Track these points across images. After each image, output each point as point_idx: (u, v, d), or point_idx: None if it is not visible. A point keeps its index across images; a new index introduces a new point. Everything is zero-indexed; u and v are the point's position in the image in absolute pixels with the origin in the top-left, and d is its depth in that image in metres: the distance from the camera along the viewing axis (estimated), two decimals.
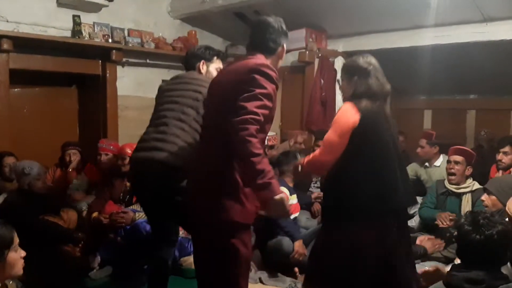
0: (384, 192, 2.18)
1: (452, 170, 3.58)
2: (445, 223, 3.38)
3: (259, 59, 2.08)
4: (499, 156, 3.81)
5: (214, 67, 2.74)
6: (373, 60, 2.33)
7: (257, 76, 1.94)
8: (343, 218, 2.21)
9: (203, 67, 2.73)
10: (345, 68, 2.40)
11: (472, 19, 4.04)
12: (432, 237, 3.45)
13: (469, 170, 3.58)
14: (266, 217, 3.76)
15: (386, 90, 2.29)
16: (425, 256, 3.25)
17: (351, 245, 2.18)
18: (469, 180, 3.61)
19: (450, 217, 3.38)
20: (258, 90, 1.91)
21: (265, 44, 2.14)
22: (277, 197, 1.82)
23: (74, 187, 4.04)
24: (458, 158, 3.58)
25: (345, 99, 2.37)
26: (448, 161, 3.66)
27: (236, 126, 1.83)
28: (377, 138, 2.22)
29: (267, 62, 2.06)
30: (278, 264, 3.58)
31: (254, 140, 1.81)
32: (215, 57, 2.77)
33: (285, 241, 3.54)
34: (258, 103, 1.89)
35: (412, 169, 4.56)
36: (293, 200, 3.73)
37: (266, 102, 1.91)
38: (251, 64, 2.01)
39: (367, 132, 2.19)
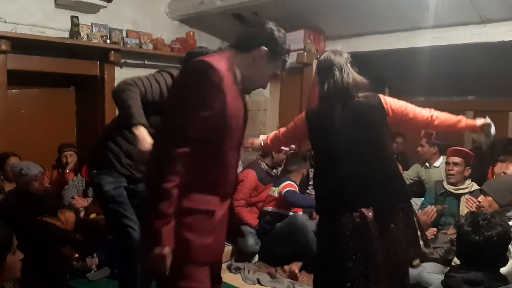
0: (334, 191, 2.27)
1: (451, 172, 3.58)
2: (429, 217, 3.36)
3: (213, 55, 1.87)
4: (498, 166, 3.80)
5: None
6: (335, 56, 2.31)
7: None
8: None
9: None
10: (318, 69, 2.43)
11: (470, 21, 4.04)
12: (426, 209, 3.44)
13: (467, 171, 3.59)
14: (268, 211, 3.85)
15: (345, 83, 2.25)
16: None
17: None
18: (468, 181, 3.62)
19: (435, 210, 3.39)
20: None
21: (241, 38, 1.92)
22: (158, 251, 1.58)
23: (70, 187, 4.02)
24: (457, 159, 3.59)
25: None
26: (447, 163, 3.67)
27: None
28: (321, 142, 2.33)
29: (225, 59, 1.78)
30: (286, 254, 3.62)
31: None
32: None
33: (297, 216, 3.58)
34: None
35: (414, 169, 4.57)
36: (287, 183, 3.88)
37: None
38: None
39: (313, 137, 2.37)
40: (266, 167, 4.15)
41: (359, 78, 2.27)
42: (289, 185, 3.82)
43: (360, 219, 2.18)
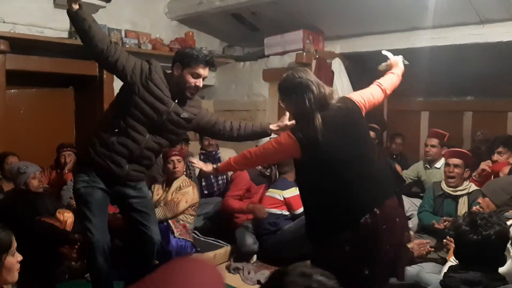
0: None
1: (452, 174, 3.57)
2: (441, 225, 3.40)
3: None
4: (495, 157, 3.82)
5: (189, 72, 2.60)
6: (304, 73, 2.30)
7: None
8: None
9: (177, 70, 2.63)
10: (281, 89, 2.38)
11: (469, 21, 4.05)
12: (419, 240, 3.40)
13: (467, 173, 3.59)
14: (275, 214, 3.83)
15: (324, 95, 2.26)
16: (413, 261, 3.22)
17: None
18: (466, 183, 3.62)
19: (446, 221, 3.39)
20: None
21: None
22: None
23: (68, 188, 4.01)
24: (457, 161, 3.58)
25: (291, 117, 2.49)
26: (447, 164, 3.65)
27: None
28: (317, 157, 2.24)
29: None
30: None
31: None
32: (192, 62, 2.59)
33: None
34: None
35: (414, 169, 4.56)
36: (296, 192, 3.71)
37: None
38: None
39: (307, 154, 2.24)
40: (260, 167, 4.10)
41: (329, 88, 2.34)
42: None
43: (367, 225, 2.18)
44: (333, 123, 2.25)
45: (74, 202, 3.77)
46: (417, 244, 3.26)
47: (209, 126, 2.87)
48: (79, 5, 2.34)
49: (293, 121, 2.64)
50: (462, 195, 3.57)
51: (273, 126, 2.93)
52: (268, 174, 4.19)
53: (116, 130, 2.56)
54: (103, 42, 2.45)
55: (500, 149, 3.80)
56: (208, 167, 2.71)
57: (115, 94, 4.54)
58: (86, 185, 2.57)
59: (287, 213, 3.84)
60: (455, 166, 3.57)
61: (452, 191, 3.60)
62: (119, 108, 2.61)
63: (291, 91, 2.30)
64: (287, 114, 2.87)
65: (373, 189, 2.24)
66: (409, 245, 3.24)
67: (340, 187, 2.22)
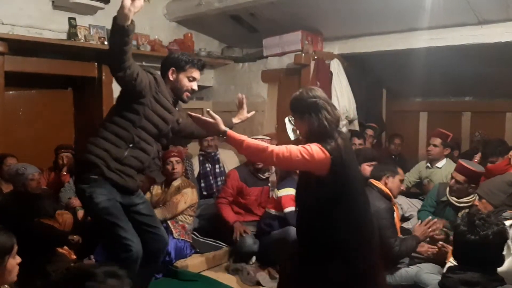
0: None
1: (453, 188, 3.51)
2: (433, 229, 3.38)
3: None
4: (488, 166, 3.81)
5: (185, 76, 2.67)
6: (318, 92, 2.31)
7: None
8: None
9: (172, 75, 2.67)
10: (294, 108, 2.35)
11: (467, 22, 4.06)
12: (425, 221, 3.35)
13: (472, 188, 3.46)
14: (270, 214, 3.82)
15: (338, 117, 2.30)
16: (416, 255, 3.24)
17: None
18: (471, 196, 3.51)
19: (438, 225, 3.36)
20: None
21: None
22: None
23: (66, 189, 4.01)
24: (460, 177, 3.46)
25: (302, 136, 2.38)
26: (452, 177, 3.57)
27: None
28: (352, 175, 2.29)
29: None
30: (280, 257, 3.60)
31: None
32: (188, 66, 2.67)
33: (292, 230, 3.55)
34: None
35: (416, 171, 4.55)
36: (289, 191, 3.70)
37: None
38: None
39: (341, 172, 2.22)
40: (252, 168, 4.05)
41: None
42: (291, 200, 3.65)
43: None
44: (348, 145, 2.31)
45: (74, 203, 3.80)
46: (422, 226, 3.24)
47: (188, 128, 2.94)
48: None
49: (252, 112, 2.89)
50: (465, 207, 3.50)
51: (235, 120, 3.02)
52: (264, 178, 4.13)
53: (131, 145, 2.56)
54: (131, 61, 2.40)
55: (493, 159, 3.82)
56: (220, 125, 2.30)
57: (114, 96, 4.62)
58: (106, 198, 2.52)
59: (281, 214, 3.78)
60: (457, 182, 3.47)
61: (456, 201, 3.54)
62: (130, 121, 2.57)
63: (305, 110, 2.27)
64: (245, 107, 3.01)
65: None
66: (414, 231, 3.26)
67: (356, 208, 2.29)
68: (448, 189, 3.62)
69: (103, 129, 2.60)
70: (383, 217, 3.02)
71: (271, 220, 3.80)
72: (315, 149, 2.16)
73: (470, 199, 3.51)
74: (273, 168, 4.21)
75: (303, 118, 2.28)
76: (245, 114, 3.04)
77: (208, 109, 2.39)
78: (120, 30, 2.26)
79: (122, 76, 2.38)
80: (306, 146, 2.18)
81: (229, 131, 2.25)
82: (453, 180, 3.52)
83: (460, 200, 3.53)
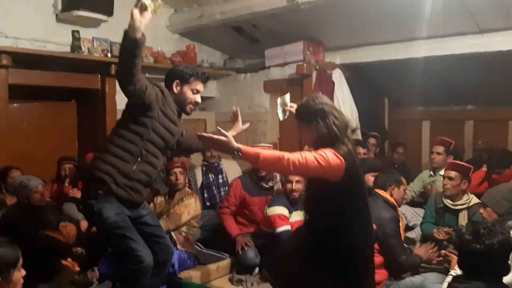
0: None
1: (446, 186, 3.56)
2: (441, 236, 3.39)
3: None
4: (494, 176, 3.85)
5: (189, 88, 2.69)
6: (324, 99, 2.31)
7: None
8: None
9: (176, 87, 2.69)
10: (300, 115, 2.34)
11: (468, 31, 4.08)
12: (425, 245, 3.36)
13: (464, 184, 3.53)
14: (266, 233, 3.79)
15: (346, 122, 2.31)
16: (421, 265, 3.22)
17: None
18: (466, 196, 3.57)
19: (445, 232, 3.38)
20: None
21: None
22: None
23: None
24: (452, 173, 3.53)
25: (309, 143, 2.39)
26: (443, 176, 3.63)
27: None
28: (361, 180, 2.33)
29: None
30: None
31: None
32: (192, 78, 2.69)
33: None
34: None
35: (420, 180, 4.55)
36: (297, 216, 3.66)
37: None
38: None
39: (354, 178, 2.24)
40: (255, 177, 4.03)
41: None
42: (282, 219, 3.61)
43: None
44: (355, 152, 2.31)
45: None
46: (424, 248, 3.24)
47: (187, 141, 2.95)
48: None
49: (247, 124, 2.90)
50: (462, 209, 3.54)
51: (232, 132, 2.96)
52: (268, 187, 4.09)
53: (139, 159, 2.56)
54: (141, 74, 2.40)
55: (498, 170, 3.82)
56: (233, 142, 2.17)
57: (117, 107, 4.65)
58: (115, 212, 2.51)
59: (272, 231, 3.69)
60: (450, 178, 3.53)
61: (452, 204, 3.56)
62: (137, 134, 2.57)
63: (312, 117, 2.25)
64: (239, 119, 3.05)
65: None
66: (416, 251, 3.24)
67: (366, 216, 2.33)
68: (443, 194, 3.64)
69: (110, 144, 2.58)
70: (389, 226, 3.01)
71: (264, 240, 3.77)
72: (330, 155, 2.13)
73: (466, 201, 3.54)
74: (278, 177, 4.18)
75: (311, 125, 2.26)
76: (240, 125, 3.07)
77: (218, 127, 2.33)
78: (132, 43, 2.25)
79: (132, 90, 2.37)
80: (320, 152, 2.14)
81: (243, 147, 2.14)
82: (445, 179, 3.55)
83: (456, 203, 3.56)
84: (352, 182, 2.22)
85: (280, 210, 3.64)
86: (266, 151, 2.15)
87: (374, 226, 2.98)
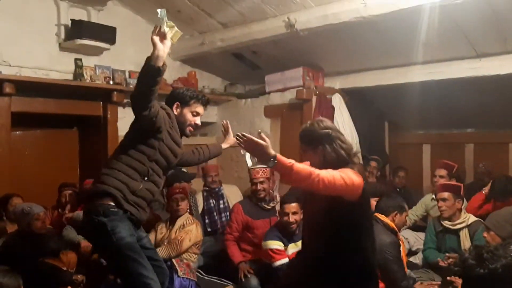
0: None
1: (441, 208, 3.58)
2: (446, 263, 3.37)
3: None
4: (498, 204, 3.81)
5: (189, 111, 2.73)
6: (328, 123, 2.32)
7: None
8: None
9: (177, 109, 2.73)
10: (305, 139, 2.31)
11: (465, 55, 4.13)
12: (428, 282, 3.38)
13: (459, 203, 3.55)
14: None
15: (351, 145, 2.32)
16: None
17: None
18: (463, 214, 3.58)
19: (450, 258, 3.36)
20: None
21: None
22: None
23: (67, 228, 3.96)
24: (444, 194, 3.56)
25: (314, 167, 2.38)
26: (437, 199, 3.65)
27: None
28: (369, 201, 2.36)
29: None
30: None
31: None
32: (192, 101, 2.74)
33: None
34: None
35: (422, 204, 4.52)
36: (294, 248, 3.58)
37: None
38: None
39: (366, 197, 2.27)
40: (255, 199, 4.00)
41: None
42: (278, 254, 3.52)
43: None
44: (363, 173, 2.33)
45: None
46: (426, 286, 3.22)
47: (183, 157, 3.00)
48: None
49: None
50: (462, 228, 3.54)
51: (224, 145, 3.25)
52: (270, 208, 4.04)
53: (146, 178, 2.58)
54: (155, 101, 2.44)
55: (504, 199, 3.79)
56: (270, 148, 2.06)
57: (119, 134, 4.67)
58: (129, 233, 2.50)
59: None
60: (443, 200, 3.55)
61: (451, 225, 3.57)
62: (145, 155, 2.59)
63: (318, 141, 2.24)
64: (230, 132, 3.20)
65: None
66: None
67: (371, 233, 2.35)
68: (441, 217, 3.65)
69: (119, 161, 2.58)
70: (389, 251, 2.99)
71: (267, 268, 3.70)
72: (351, 174, 2.12)
73: (464, 219, 3.55)
74: (278, 197, 4.15)
75: (317, 149, 2.24)
76: (232, 138, 3.17)
77: (259, 130, 2.26)
78: (155, 71, 2.30)
79: (147, 115, 2.40)
80: (341, 171, 2.11)
81: (279, 155, 2.01)
82: (439, 201, 3.57)
83: (455, 223, 3.56)
84: (366, 201, 2.26)
85: (274, 244, 3.56)
86: (299, 164, 2.05)
87: None
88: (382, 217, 3.17)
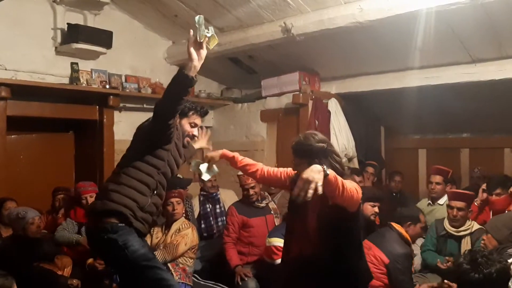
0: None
1: (457, 217, 3.54)
2: (445, 265, 3.38)
3: None
4: (493, 198, 3.80)
5: (188, 122, 2.72)
6: (322, 136, 2.30)
7: None
8: None
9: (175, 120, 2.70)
10: (300, 153, 2.27)
11: (461, 61, 4.14)
12: (426, 284, 3.38)
13: (470, 212, 3.57)
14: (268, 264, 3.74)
15: (341, 160, 2.32)
16: None
17: None
18: (468, 222, 3.58)
19: (449, 262, 3.38)
20: None
21: None
22: None
23: (59, 231, 3.93)
24: (460, 204, 3.53)
25: None
26: (450, 207, 3.61)
27: None
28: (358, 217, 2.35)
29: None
30: None
31: None
32: (191, 112, 2.72)
33: None
34: None
35: (419, 207, 4.52)
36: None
37: None
38: None
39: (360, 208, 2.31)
40: (247, 200, 3.98)
41: None
42: (280, 251, 3.56)
43: None
44: None
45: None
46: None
47: None
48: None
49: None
50: (465, 235, 3.54)
51: (196, 146, 3.13)
52: (264, 205, 4.05)
53: (154, 192, 2.56)
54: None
55: (498, 191, 3.81)
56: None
57: (115, 138, 4.66)
58: (141, 244, 2.48)
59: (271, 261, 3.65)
60: (459, 209, 3.53)
61: (455, 231, 3.57)
62: (155, 167, 2.56)
63: (313, 155, 2.19)
64: (210, 144, 3.23)
65: None
66: None
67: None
68: (446, 221, 3.64)
69: (127, 176, 2.52)
70: (402, 263, 3.00)
71: (266, 271, 3.70)
72: (354, 184, 2.12)
73: (468, 227, 3.55)
74: (270, 197, 4.21)
75: (312, 163, 2.10)
76: (203, 142, 3.19)
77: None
78: (188, 81, 2.28)
79: (172, 123, 2.42)
80: (349, 182, 2.08)
81: (331, 172, 1.88)
82: (454, 209, 3.55)
83: (460, 229, 3.56)
84: (359, 212, 2.29)
85: (278, 242, 3.55)
86: (346, 181, 2.02)
87: (387, 260, 2.97)
88: (398, 226, 3.17)
